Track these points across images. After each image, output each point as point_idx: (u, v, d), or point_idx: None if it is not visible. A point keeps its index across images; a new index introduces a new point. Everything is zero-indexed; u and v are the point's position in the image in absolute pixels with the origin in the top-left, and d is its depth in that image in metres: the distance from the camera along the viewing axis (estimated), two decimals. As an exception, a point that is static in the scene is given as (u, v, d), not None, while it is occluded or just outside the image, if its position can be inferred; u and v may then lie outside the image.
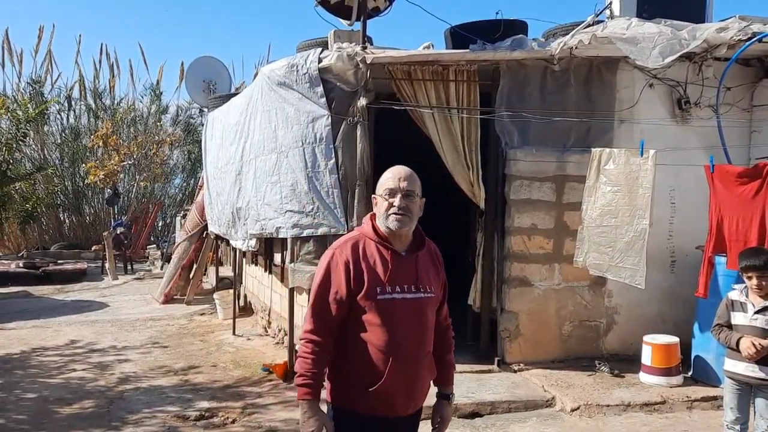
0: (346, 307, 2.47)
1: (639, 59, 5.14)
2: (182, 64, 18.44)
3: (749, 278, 3.85)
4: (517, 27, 6.02)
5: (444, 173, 5.88)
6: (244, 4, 38.63)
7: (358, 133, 5.67)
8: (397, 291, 2.48)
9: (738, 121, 5.95)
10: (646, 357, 5.59)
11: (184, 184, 18.27)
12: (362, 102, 5.60)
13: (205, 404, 5.57)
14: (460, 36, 5.93)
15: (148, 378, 6.38)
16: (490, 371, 5.87)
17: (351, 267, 2.47)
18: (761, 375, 3.79)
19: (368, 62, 5.46)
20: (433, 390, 2.79)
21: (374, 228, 2.55)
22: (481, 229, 6.09)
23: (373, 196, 2.59)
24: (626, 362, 5.95)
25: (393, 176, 2.53)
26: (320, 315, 2.48)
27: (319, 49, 5.74)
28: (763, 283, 3.81)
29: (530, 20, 6.28)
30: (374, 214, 2.58)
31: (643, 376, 5.61)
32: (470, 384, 5.47)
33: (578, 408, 5.14)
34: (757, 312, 3.83)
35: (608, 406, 5.16)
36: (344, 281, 2.46)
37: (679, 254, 6.06)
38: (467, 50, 5.66)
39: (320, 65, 5.64)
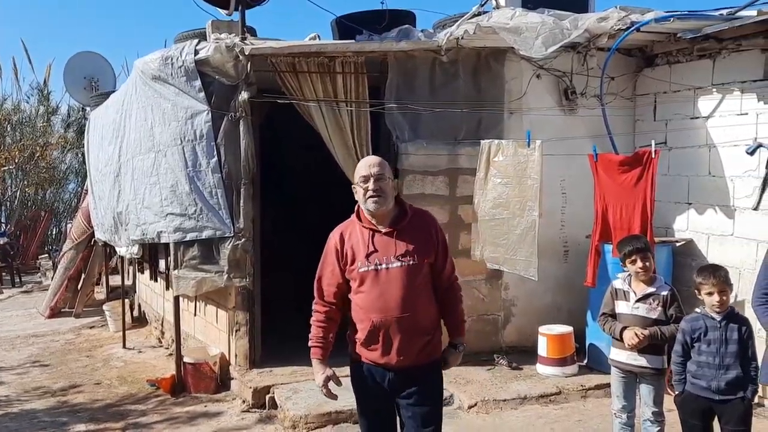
0: (342, 281, 3.05)
1: (522, 49, 5.10)
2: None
3: (633, 262, 3.84)
4: (404, 17, 5.89)
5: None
6: (141, -1, 36.88)
7: (241, 129, 5.36)
8: (377, 263, 2.97)
9: (622, 110, 6.04)
10: (542, 348, 5.59)
11: (79, 188, 17.15)
12: (244, 96, 5.30)
13: (81, 427, 5.15)
14: (346, 27, 5.73)
15: (20, 402, 5.84)
16: (388, 371, 5.70)
17: (338, 247, 3.05)
18: (643, 363, 3.81)
19: (247, 53, 5.16)
20: None
21: (358, 213, 3.06)
22: (375, 226, 5.91)
23: (353, 186, 3.05)
24: (525, 354, 5.92)
25: (364, 165, 3.03)
26: (320, 289, 3.11)
27: (196, 41, 5.40)
28: (647, 264, 3.82)
29: (419, 11, 6.18)
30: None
31: (540, 368, 5.60)
32: (367, 386, 5.27)
33: (475, 405, 5.05)
34: (638, 300, 3.84)
35: (505, 400, 5.10)
36: (335, 259, 3.04)
37: (571, 243, 6.09)
38: (352, 41, 5.46)
39: (197, 57, 5.29)
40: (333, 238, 3.09)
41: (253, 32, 5.90)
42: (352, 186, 3.06)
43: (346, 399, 4.94)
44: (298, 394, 5.12)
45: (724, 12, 5.13)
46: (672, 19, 5.08)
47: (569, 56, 5.91)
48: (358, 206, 3.07)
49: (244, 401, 5.34)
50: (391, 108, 5.61)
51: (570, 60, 5.93)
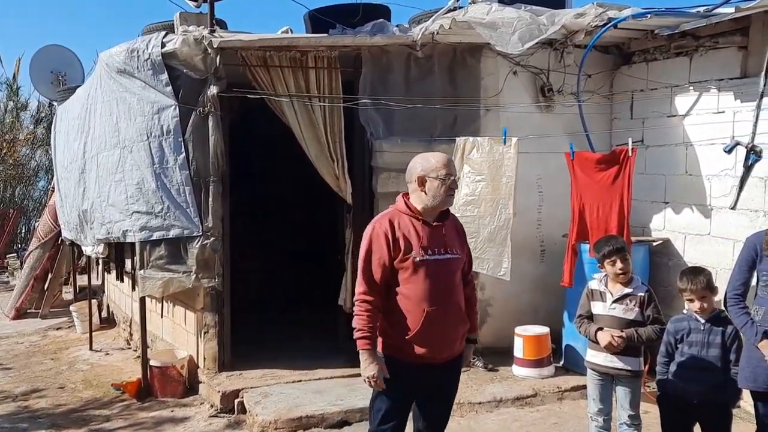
0: (388, 270, 3.01)
1: (499, 45, 5.01)
2: (41, 56, 16.62)
3: (612, 263, 3.75)
4: (379, 11, 5.76)
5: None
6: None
7: (210, 124, 5.19)
8: (429, 254, 3.02)
9: (600, 108, 5.96)
10: (518, 349, 5.50)
11: (49, 186, 16.76)
12: (213, 90, 5.12)
13: (41, 434, 4.94)
14: (319, 20, 5.59)
15: (-21, 407, 5.61)
16: (361, 374, 5.57)
17: (389, 236, 3.01)
18: (620, 365, 3.73)
19: (216, 46, 5.00)
20: None
21: (407, 204, 3.10)
22: (349, 225, 5.77)
23: (417, 175, 3.08)
24: (501, 355, 5.82)
25: (447, 161, 3.12)
26: (368, 278, 3.03)
27: (163, 33, 5.21)
28: (626, 265, 3.74)
29: (394, 6, 6.05)
30: (407, 194, 3.15)
31: (516, 369, 5.51)
32: (340, 390, 5.14)
33: (450, 407, 4.94)
34: (615, 301, 3.75)
35: (480, 403, 5.01)
36: (385, 248, 3.00)
37: (548, 243, 6.01)
38: (325, 35, 5.31)
39: (164, 50, 5.10)
40: (381, 225, 3.06)
41: (223, 25, 5.75)
42: (423, 176, 3.06)
43: (317, 404, 4.88)
44: (267, 398, 4.97)
45: (702, 9, 5.07)
46: (649, 15, 5.01)
47: (546, 53, 5.83)
48: (405, 196, 3.14)
49: (212, 406, 5.17)
50: (365, 104, 5.48)
51: (547, 57, 5.85)
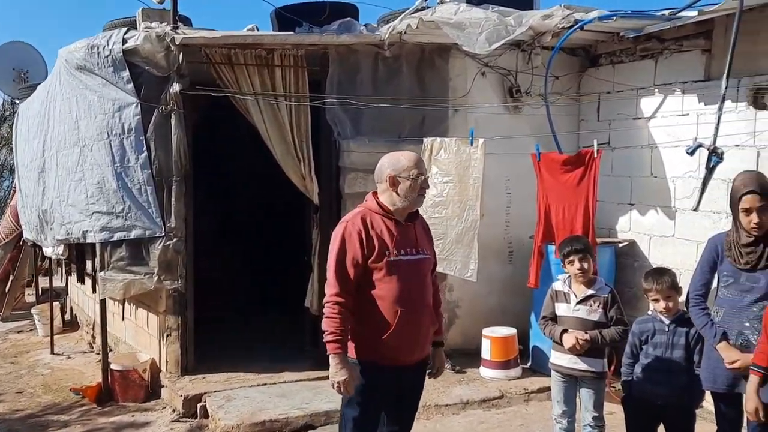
0: (361, 270, 2.93)
1: (466, 45, 4.98)
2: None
3: (571, 263, 3.75)
4: (347, 10, 5.70)
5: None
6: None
7: (173, 122, 5.10)
8: (402, 253, 2.98)
9: (567, 110, 5.98)
10: (485, 351, 5.48)
11: (13, 185, 16.42)
12: (176, 88, 5.03)
13: (-4, 441, 4.79)
14: (285, 18, 5.51)
15: (-68, 414, 5.43)
16: (328, 377, 5.50)
17: (363, 236, 2.94)
18: (584, 366, 3.72)
19: (178, 43, 4.90)
20: None
21: (378, 203, 3.03)
22: (316, 226, 5.70)
23: (388, 175, 3.00)
24: (469, 356, 5.79)
25: (418, 160, 3.06)
26: (341, 278, 2.93)
27: (124, 29, 5.10)
28: (585, 265, 3.73)
29: (362, 5, 6.00)
30: (376, 192, 3.08)
31: (483, 371, 5.49)
32: (305, 393, 5.07)
33: (416, 410, 4.90)
34: (579, 302, 3.74)
35: (446, 405, 4.97)
36: (358, 247, 2.92)
37: (516, 244, 6.00)
38: (291, 33, 5.25)
39: (125, 47, 5.00)
40: (354, 224, 2.98)
41: (187, 22, 5.65)
42: (394, 176, 2.99)
43: (281, 407, 4.81)
44: (231, 403, 4.87)
45: (667, 12, 5.10)
46: (615, 18, 5.02)
47: (514, 54, 5.83)
48: (375, 195, 3.07)
49: (174, 410, 5.06)
50: (332, 103, 5.42)
51: (515, 58, 5.84)
